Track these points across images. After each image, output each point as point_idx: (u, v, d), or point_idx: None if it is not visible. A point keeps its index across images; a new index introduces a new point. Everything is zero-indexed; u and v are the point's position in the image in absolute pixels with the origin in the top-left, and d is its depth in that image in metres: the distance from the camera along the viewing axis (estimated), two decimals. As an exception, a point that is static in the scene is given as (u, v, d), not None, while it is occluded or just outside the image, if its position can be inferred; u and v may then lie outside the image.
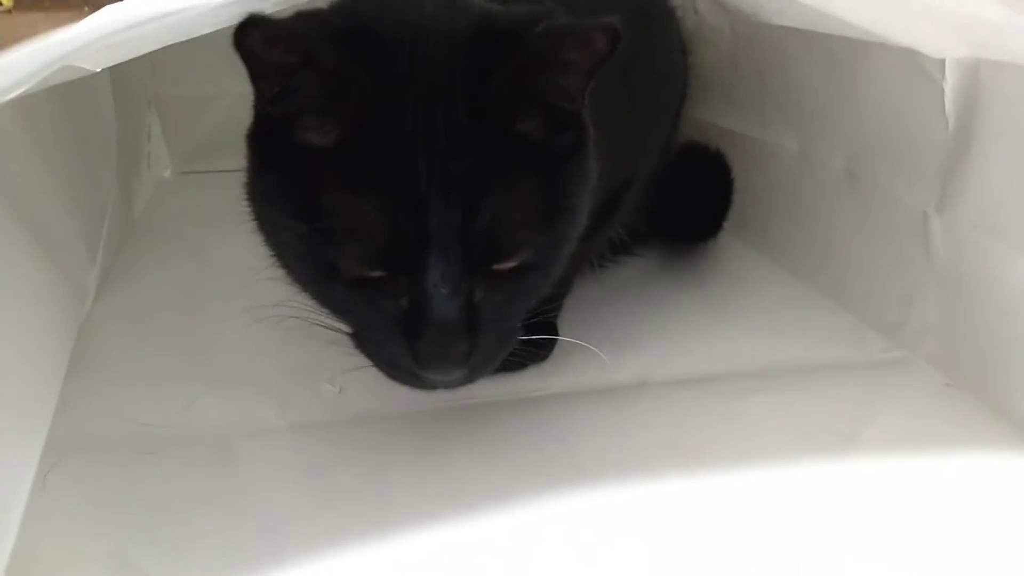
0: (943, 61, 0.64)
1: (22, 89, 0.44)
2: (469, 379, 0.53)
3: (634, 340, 0.74)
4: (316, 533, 0.53)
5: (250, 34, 0.46)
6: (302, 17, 0.51)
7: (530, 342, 0.66)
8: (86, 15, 0.45)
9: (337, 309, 0.54)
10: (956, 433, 0.61)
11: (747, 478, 0.57)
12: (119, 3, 0.45)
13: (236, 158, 0.56)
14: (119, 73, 0.97)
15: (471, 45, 0.50)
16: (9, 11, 1.21)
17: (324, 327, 0.56)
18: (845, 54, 0.75)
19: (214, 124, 1.14)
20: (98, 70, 0.54)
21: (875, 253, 0.76)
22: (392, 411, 0.65)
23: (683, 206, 0.89)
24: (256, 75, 0.50)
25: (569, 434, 0.62)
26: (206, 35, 0.53)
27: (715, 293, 0.85)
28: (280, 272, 0.56)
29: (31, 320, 0.63)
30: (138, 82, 1.12)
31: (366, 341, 0.54)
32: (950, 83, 0.64)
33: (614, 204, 0.74)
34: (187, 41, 0.54)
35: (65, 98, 0.74)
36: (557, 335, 0.72)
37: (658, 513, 0.55)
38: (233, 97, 1.03)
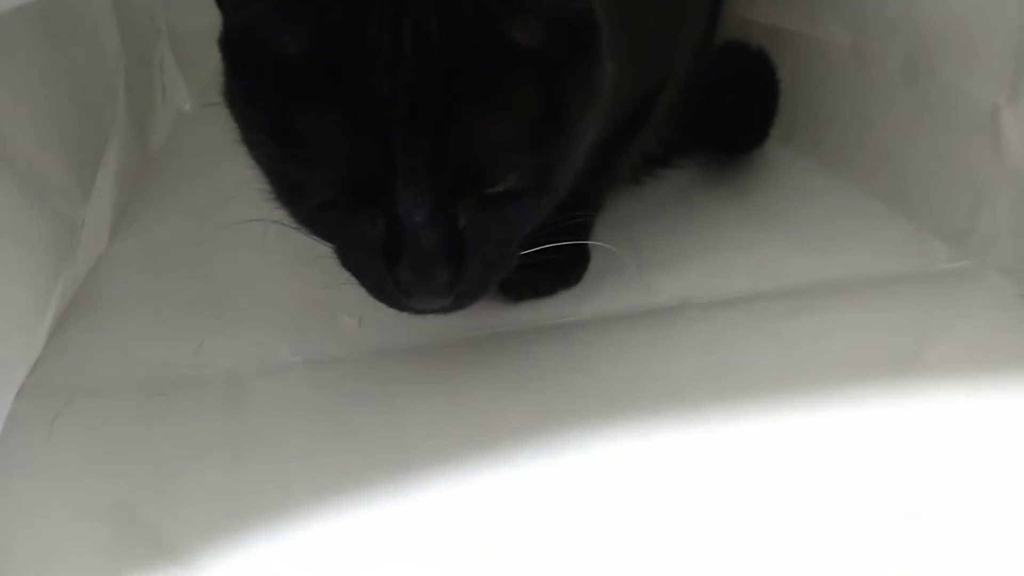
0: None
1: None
2: (458, 305, 0.49)
3: (673, 259, 0.69)
4: (326, 479, 0.49)
5: None
6: None
7: (559, 265, 0.62)
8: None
9: (315, 231, 0.51)
10: (1031, 349, 0.55)
11: (798, 408, 0.52)
12: None
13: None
14: (124, 3, 0.93)
15: None
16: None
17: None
18: (902, -69, 0.67)
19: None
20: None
21: (939, 154, 0.68)
22: (414, 343, 0.61)
23: (724, 113, 0.82)
24: None
25: (601, 364, 0.58)
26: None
27: (762, 205, 0.78)
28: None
29: (4, 262, 0.59)
30: (146, 12, 1.07)
31: (349, 263, 0.50)
32: (1024, -46, 0.57)
33: (645, 111, 0.68)
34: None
35: (51, 28, 0.70)
36: (588, 257, 0.67)
37: (698, 450, 0.50)
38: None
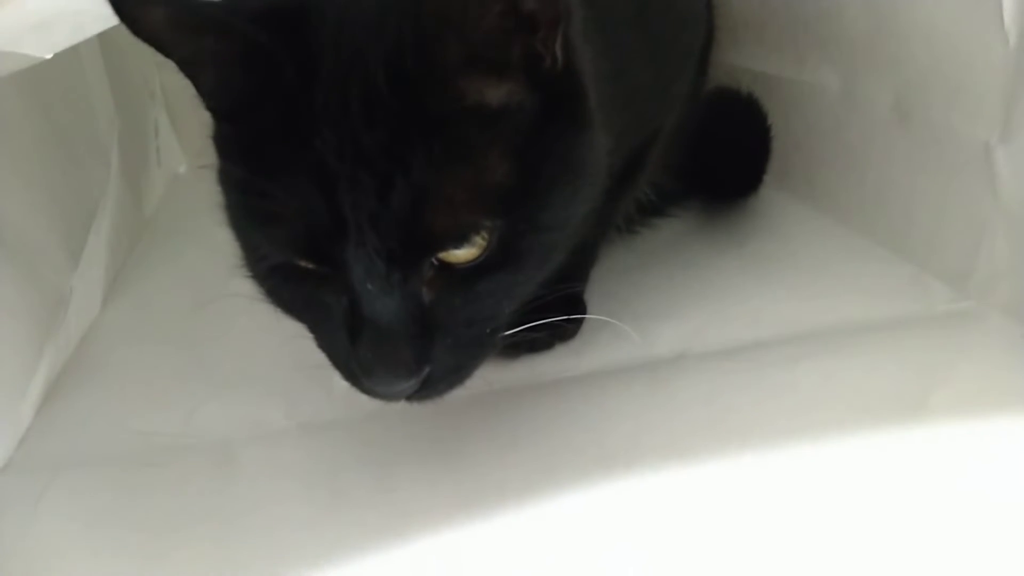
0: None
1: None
2: (428, 392, 0.46)
3: (671, 309, 0.68)
4: (322, 547, 0.48)
5: (140, 15, 0.42)
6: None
7: (552, 322, 0.61)
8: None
9: (287, 308, 0.49)
10: (1039, 391, 0.54)
11: (801, 458, 0.50)
12: None
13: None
14: (117, 67, 0.93)
15: (405, 6, 0.42)
16: None
17: None
18: (886, -26, 0.68)
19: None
20: (48, 56, 0.50)
21: (934, 194, 0.68)
22: (404, 404, 0.60)
23: (717, 160, 0.82)
24: (158, 49, 0.44)
25: (599, 419, 0.57)
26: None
27: (758, 252, 0.77)
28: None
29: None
30: (140, 75, 1.08)
31: (319, 341, 0.49)
32: (1008, -8, 0.57)
33: (638, 162, 0.68)
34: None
35: (43, 93, 0.70)
36: (584, 309, 0.66)
37: (699, 504, 0.49)
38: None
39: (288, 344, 0.67)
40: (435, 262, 0.44)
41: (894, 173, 0.73)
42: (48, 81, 0.73)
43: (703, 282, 0.72)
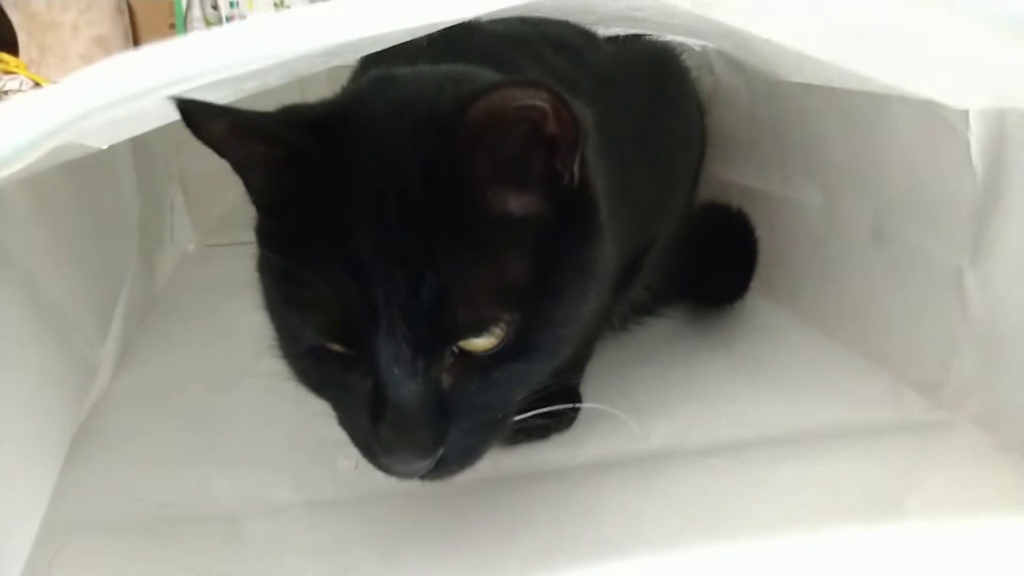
0: (967, 111, 0.62)
1: (14, 168, 0.44)
2: (442, 472, 0.50)
3: (662, 405, 0.71)
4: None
5: (204, 123, 0.47)
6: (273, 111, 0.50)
7: (552, 410, 0.64)
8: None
9: (313, 386, 0.53)
10: (1007, 499, 0.58)
11: (783, 554, 0.54)
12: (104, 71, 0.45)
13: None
14: (142, 148, 0.98)
15: (446, 119, 0.46)
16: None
17: None
18: (866, 108, 0.74)
19: (240, 197, 1.14)
20: (104, 147, 0.55)
21: (909, 310, 0.73)
22: (410, 487, 0.62)
23: (707, 267, 0.87)
24: (217, 151, 0.50)
25: (595, 508, 0.59)
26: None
27: (744, 355, 0.82)
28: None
29: (29, 401, 0.61)
30: (162, 156, 1.13)
31: (341, 420, 0.52)
32: (975, 134, 0.62)
33: (634, 267, 0.72)
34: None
35: (80, 173, 0.74)
36: (580, 402, 0.69)
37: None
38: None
39: (296, 421, 0.70)
40: (455, 350, 0.48)
41: (872, 288, 0.77)
42: (84, 160, 0.77)
43: (692, 380, 0.76)
